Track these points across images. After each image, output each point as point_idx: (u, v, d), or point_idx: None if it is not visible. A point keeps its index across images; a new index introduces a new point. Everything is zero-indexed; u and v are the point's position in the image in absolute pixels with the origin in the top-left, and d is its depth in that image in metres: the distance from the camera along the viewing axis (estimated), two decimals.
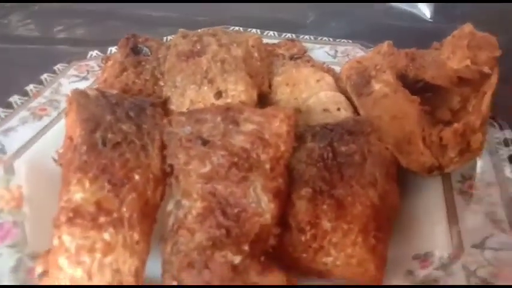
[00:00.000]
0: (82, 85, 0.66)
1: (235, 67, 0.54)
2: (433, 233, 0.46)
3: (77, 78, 0.68)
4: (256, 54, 0.58)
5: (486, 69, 0.52)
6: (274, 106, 0.50)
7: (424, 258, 0.44)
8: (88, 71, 0.70)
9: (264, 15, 1.06)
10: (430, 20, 1.04)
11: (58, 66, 0.70)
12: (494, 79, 0.50)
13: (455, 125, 0.48)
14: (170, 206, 0.44)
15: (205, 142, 0.45)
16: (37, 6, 1.20)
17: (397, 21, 1.05)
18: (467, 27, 0.56)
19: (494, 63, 0.52)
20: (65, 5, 1.21)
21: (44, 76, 0.68)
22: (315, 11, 1.09)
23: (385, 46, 0.59)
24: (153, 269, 0.42)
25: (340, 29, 1.00)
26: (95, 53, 0.74)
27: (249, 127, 0.46)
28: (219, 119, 0.47)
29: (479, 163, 0.53)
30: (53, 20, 1.15)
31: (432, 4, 1.07)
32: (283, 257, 0.44)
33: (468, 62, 0.52)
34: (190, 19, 1.12)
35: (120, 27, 1.13)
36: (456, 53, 0.54)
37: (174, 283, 0.40)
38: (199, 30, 0.61)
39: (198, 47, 0.57)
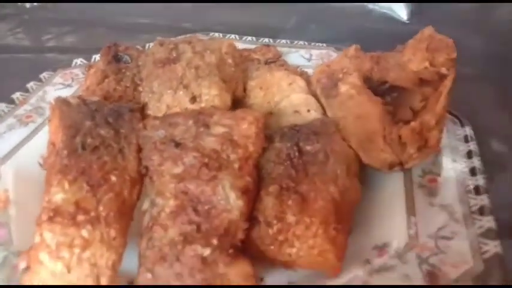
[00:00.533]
0: (67, 92, 0.70)
1: (208, 73, 0.57)
2: (392, 225, 0.49)
3: (61, 86, 0.71)
4: (229, 60, 0.62)
5: (443, 70, 0.55)
6: (243, 109, 0.53)
7: (381, 248, 0.47)
8: (73, 79, 0.73)
9: (245, 21, 1.09)
10: (407, 22, 1.08)
11: (44, 75, 0.73)
12: (449, 80, 0.54)
13: (412, 123, 0.51)
14: (146, 205, 0.48)
15: (177, 144, 0.49)
16: (27, 15, 1.24)
17: (375, 24, 1.08)
18: (428, 30, 0.59)
19: (451, 65, 0.55)
20: (55, 13, 1.25)
21: (31, 84, 0.71)
22: (294, 16, 1.13)
23: (352, 50, 0.62)
24: (131, 263, 0.45)
25: (319, 33, 1.04)
26: (79, 60, 0.77)
27: (219, 129, 0.50)
28: (190, 122, 0.50)
29: (440, 159, 0.56)
30: (42, 29, 1.18)
31: (409, 5, 1.10)
32: (252, 249, 0.47)
33: (427, 63, 0.56)
34: (175, 26, 1.16)
35: (107, 35, 1.16)
36: (416, 55, 0.57)
37: (149, 275, 0.43)
38: (175, 38, 0.64)
39: (174, 55, 0.60)
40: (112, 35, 1.16)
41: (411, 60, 0.57)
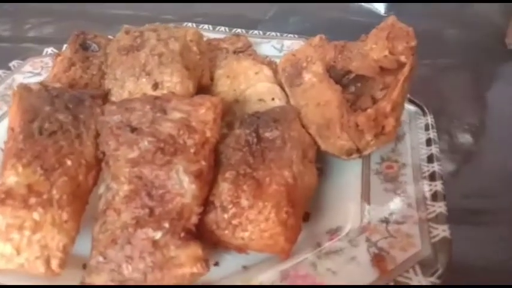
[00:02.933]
0: (35, 80, 0.69)
1: (171, 60, 0.58)
2: (346, 210, 0.50)
3: (31, 74, 0.71)
4: (194, 48, 0.62)
5: (402, 59, 0.56)
6: (201, 95, 0.53)
7: (334, 232, 0.48)
8: (42, 67, 0.73)
9: (226, 13, 1.09)
10: (384, 15, 1.08)
11: (13, 63, 0.73)
12: (407, 68, 0.54)
13: (368, 110, 0.52)
14: (101, 189, 0.48)
15: (133, 129, 0.49)
16: (12, 6, 1.24)
17: (353, 16, 1.09)
18: (390, 19, 0.60)
19: (410, 53, 0.56)
20: (38, 4, 1.25)
21: None
22: (274, 7, 1.13)
23: (316, 39, 0.63)
24: (87, 248, 0.45)
25: (297, 25, 1.04)
26: (50, 49, 0.77)
27: (176, 115, 0.50)
28: (147, 107, 0.50)
29: (399, 146, 0.57)
30: (22, 19, 1.18)
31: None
32: (207, 234, 0.48)
33: (387, 52, 0.56)
34: (157, 17, 1.16)
35: (88, 26, 1.16)
36: (377, 44, 0.57)
37: (100, 258, 0.44)
38: (142, 27, 0.64)
39: (138, 42, 0.60)
40: (93, 26, 1.16)
41: (372, 49, 0.58)
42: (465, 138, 0.70)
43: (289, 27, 0.98)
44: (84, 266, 0.47)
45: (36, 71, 0.72)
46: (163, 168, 0.47)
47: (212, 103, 0.51)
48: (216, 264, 0.48)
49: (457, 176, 0.61)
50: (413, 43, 0.56)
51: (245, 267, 0.48)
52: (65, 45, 0.78)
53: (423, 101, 0.65)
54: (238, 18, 1.05)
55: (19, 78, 0.70)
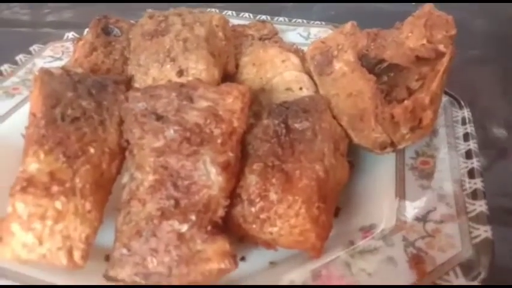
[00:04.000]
0: (56, 65, 0.68)
1: (196, 46, 0.55)
2: (380, 207, 0.47)
3: (51, 59, 0.70)
4: (220, 34, 0.59)
5: (441, 48, 0.53)
6: (228, 83, 0.51)
7: (367, 230, 0.45)
8: (63, 52, 0.71)
9: None
10: (411, 4, 1.04)
11: (34, 47, 0.71)
12: (447, 58, 0.51)
13: (405, 102, 0.49)
14: (125, 179, 0.46)
15: (159, 117, 0.47)
16: None
17: (379, 4, 1.05)
18: (427, 7, 0.56)
19: (449, 42, 0.53)
20: None
21: (19, 57, 0.69)
22: None
23: (348, 26, 0.60)
24: (110, 238, 0.44)
25: (322, 12, 1.01)
26: (71, 34, 0.76)
27: (203, 103, 0.48)
28: (173, 95, 0.48)
29: (435, 140, 0.54)
30: (41, 3, 1.17)
31: None
32: (234, 228, 0.46)
33: (424, 40, 0.53)
34: (178, 4, 1.13)
35: (107, 11, 1.15)
36: (414, 32, 0.54)
37: (124, 250, 0.42)
38: (166, 11, 0.62)
39: (163, 26, 0.58)
40: (111, 11, 1.15)
41: (409, 37, 0.55)
42: (500, 132, 0.67)
43: (312, 15, 0.95)
44: (107, 258, 0.46)
45: (57, 55, 0.71)
46: (190, 158, 0.45)
47: (240, 92, 0.49)
48: (243, 259, 0.47)
49: (491, 172, 0.58)
50: (453, 32, 0.53)
51: (272, 263, 0.46)
52: (86, 30, 0.76)
53: (455, 92, 0.62)
54: (258, 6, 1.02)
55: (40, 63, 0.69)
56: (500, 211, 0.54)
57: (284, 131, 0.49)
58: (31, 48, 0.71)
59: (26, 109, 0.60)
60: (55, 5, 1.17)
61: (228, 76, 0.61)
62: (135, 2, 1.18)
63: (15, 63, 0.68)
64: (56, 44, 0.73)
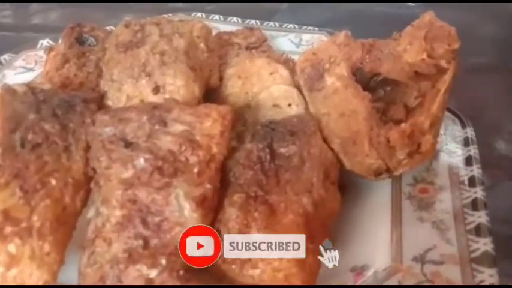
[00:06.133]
0: (28, 77, 0.63)
1: (175, 59, 0.51)
2: (374, 243, 0.43)
3: (23, 70, 0.65)
4: (202, 45, 0.55)
5: (443, 63, 0.48)
6: (207, 104, 0.46)
7: (359, 271, 0.41)
8: (36, 62, 0.66)
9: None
10: (411, 5, 0.99)
11: (5, 57, 0.66)
12: (449, 75, 0.46)
13: (403, 125, 0.45)
14: (91, 213, 0.42)
15: (128, 144, 0.42)
16: None
17: (375, 6, 1.00)
18: (428, 16, 0.51)
19: (452, 57, 0.48)
20: None
21: None
22: None
23: (341, 36, 0.55)
24: (75, 277, 0.40)
25: (318, 15, 0.95)
26: (45, 41, 0.70)
27: (178, 128, 0.43)
28: (144, 118, 0.43)
29: (434, 164, 0.49)
30: (25, 4, 1.12)
31: None
32: (212, 267, 0.41)
33: (424, 54, 0.48)
34: (166, 6, 1.08)
35: (94, 13, 1.10)
36: (413, 45, 0.49)
37: None
38: (144, 20, 0.57)
39: (139, 37, 0.53)
40: (99, 13, 1.10)
41: (407, 50, 0.50)
42: (506, 149, 0.62)
43: (309, 19, 0.90)
44: None
45: (29, 66, 0.66)
46: (161, 191, 0.40)
47: (219, 114, 0.44)
48: None
49: (497, 196, 0.53)
50: (456, 45, 0.48)
51: None
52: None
53: (456, 105, 0.57)
54: (253, 7, 0.97)
55: (10, 74, 0.64)
56: (508, 241, 0.49)
57: (268, 156, 0.45)
58: (1, 58, 0.66)
59: None
60: (41, 6, 1.11)
61: (211, 90, 0.57)
62: (124, 2, 1.14)
63: None
64: (28, 52, 0.68)
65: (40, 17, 1.11)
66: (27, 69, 0.65)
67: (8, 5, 1.14)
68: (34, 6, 1.12)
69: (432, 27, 0.49)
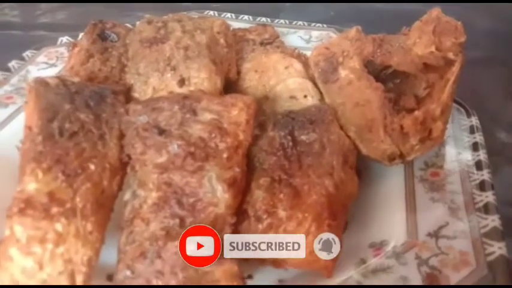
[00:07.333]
0: (50, 72, 0.66)
1: (198, 54, 0.54)
2: (390, 222, 0.46)
3: (45, 65, 0.67)
4: (222, 41, 0.58)
5: (450, 56, 0.51)
6: (233, 94, 0.49)
7: (378, 247, 0.44)
8: (57, 58, 0.69)
9: None
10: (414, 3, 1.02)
11: (27, 53, 0.69)
12: (457, 66, 0.50)
13: (416, 112, 0.48)
14: (127, 196, 0.44)
15: (161, 131, 0.45)
16: None
17: (381, 4, 1.03)
18: (435, 11, 0.55)
19: (459, 50, 0.51)
20: None
21: (12, 63, 0.67)
22: None
23: (353, 31, 0.58)
24: (112, 257, 0.42)
25: (322, 13, 0.99)
26: (65, 38, 0.73)
27: (207, 116, 0.46)
28: (176, 107, 0.46)
29: (443, 150, 0.53)
30: (34, 4, 1.14)
31: None
32: None
33: (433, 48, 0.52)
34: (173, 6, 1.11)
35: (103, 12, 1.12)
36: (422, 39, 0.53)
37: (128, 273, 0.40)
38: (165, 16, 0.60)
39: (162, 33, 0.56)
40: (108, 12, 1.12)
41: (416, 44, 0.53)
42: (506, 138, 0.66)
43: (311, 16, 0.93)
44: (109, 277, 0.44)
45: (51, 61, 0.68)
46: (195, 175, 0.43)
47: (245, 103, 0.47)
48: (250, 277, 0.45)
49: (498, 180, 0.57)
50: (462, 39, 0.51)
51: (281, 281, 0.44)
52: (80, 34, 0.74)
53: (458, 97, 0.61)
54: (259, 5, 1.00)
55: (33, 70, 0.66)
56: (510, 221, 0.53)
57: (291, 143, 0.48)
58: (24, 54, 0.68)
59: (20, 119, 0.58)
60: (48, 6, 1.13)
61: (230, 84, 0.60)
62: (129, 2, 1.16)
63: (8, 70, 0.66)
64: (49, 49, 0.70)
65: (47, 17, 1.13)
66: (49, 64, 0.68)
67: (16, 4, 1.16)
68: (42, 5, 1.14)
69: (440, 22, 0.53)
